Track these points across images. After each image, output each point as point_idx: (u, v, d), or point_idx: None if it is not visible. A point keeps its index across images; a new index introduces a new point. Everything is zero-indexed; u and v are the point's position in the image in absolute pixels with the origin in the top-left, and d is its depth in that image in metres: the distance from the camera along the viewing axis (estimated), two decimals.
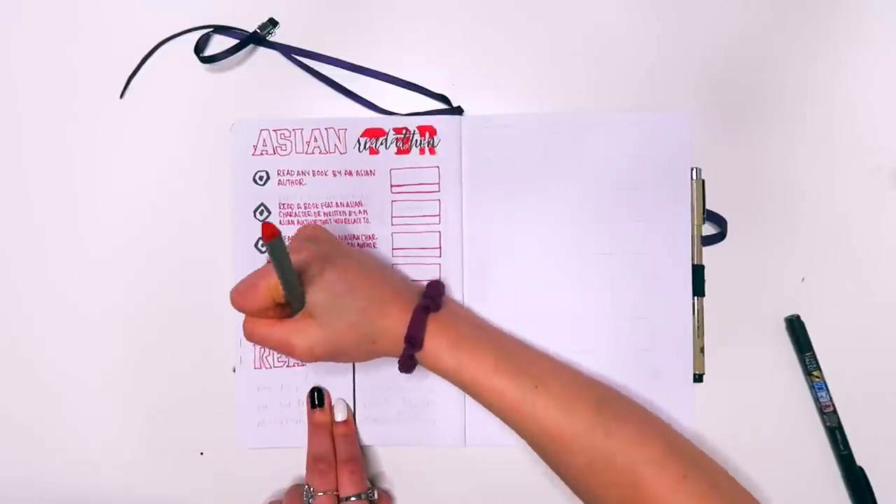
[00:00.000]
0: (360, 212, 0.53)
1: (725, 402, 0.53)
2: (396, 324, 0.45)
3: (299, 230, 0.49)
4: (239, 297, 0.44)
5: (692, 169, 0.52)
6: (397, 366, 0.47)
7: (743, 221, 0.53)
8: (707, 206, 0.52)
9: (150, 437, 0.53)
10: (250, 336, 0.46)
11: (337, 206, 0.53)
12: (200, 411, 0.53)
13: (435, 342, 0.45)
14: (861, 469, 0.52)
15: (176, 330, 0.53)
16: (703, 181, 0.52)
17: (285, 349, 0.45)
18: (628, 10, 0.54)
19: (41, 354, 0.53)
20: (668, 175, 0.52)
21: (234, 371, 0.53)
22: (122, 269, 0.54)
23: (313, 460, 0.50)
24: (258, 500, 0.53)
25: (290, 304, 0.44)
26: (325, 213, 0.53)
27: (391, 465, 0.53)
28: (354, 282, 0.45)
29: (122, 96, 0.54)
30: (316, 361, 0.46)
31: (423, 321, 0.45)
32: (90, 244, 0.54)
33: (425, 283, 0.51)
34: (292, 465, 0.53)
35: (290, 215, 0.53)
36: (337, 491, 0.48)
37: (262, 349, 0.52)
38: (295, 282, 0.43)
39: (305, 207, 0.53)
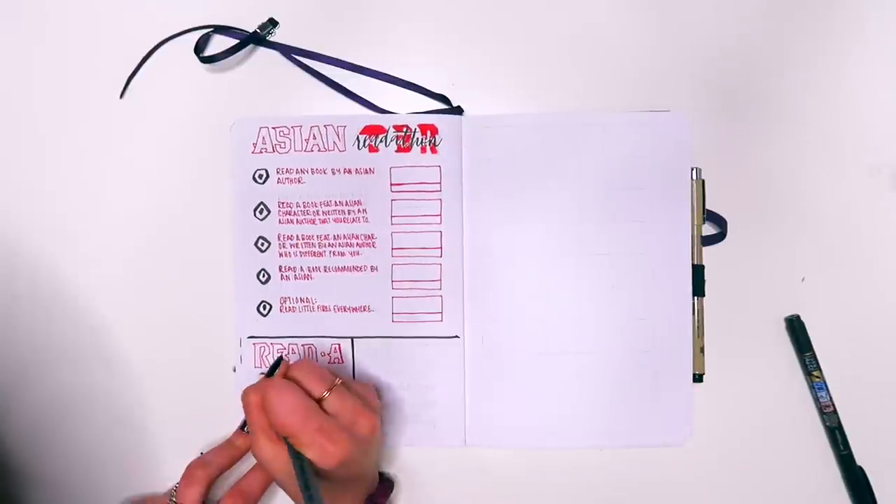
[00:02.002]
0: (359, 210, 0.53)
1: (725, 402, 0.53)
2: None
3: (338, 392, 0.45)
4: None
5: (692, 169, 0.52)
6: None
7: (743, 221, 0.53)
8: (707, 206, 0.52)
9: (151, 437, 0.53)
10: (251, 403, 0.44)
11: (336, 204, 0.53)
12: (200, 411, 0.53)
13: None
14: (861, 469, 0.52)
15: (176, 329, 0.53)
16: (703, 181, 0.52)
17: (251, 433, 0.44)
18: (628, 10, 0.54)
19: (41, 354, 0.53)
20: (667, 175, 0.52)
21: (234, 371, 0.53)
22: (122, 269, 0.54)
23: (194, 465, 0.49)
24: None
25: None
26: (324, 212, 0.53)
27: (391, 465, 0.53)
28: (345, 463, 0.43)
29: (122, 96, 0.54)
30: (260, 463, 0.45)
31: None
32: (90, 243, 0.54)
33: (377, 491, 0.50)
34: None
35: (290, 214, 0.53)
36: None
37: (263, 349, 0.52)
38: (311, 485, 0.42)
39: (305, 206, 0.53)
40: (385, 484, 0.50)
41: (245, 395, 0.44)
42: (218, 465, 0.50)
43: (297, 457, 0.42)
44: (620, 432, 0.52)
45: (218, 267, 0.53)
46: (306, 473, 0.42)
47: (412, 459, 0.53)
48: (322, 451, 0.42)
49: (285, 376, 0.45)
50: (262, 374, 0.47)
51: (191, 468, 0.49)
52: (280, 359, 0.46)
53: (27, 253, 0.54)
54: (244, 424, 0.52)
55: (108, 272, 0.54)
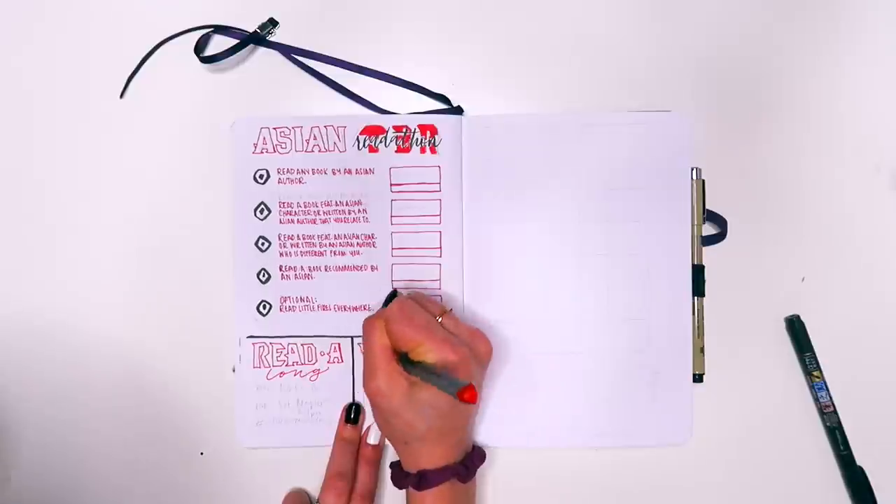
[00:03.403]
0: (359, 210, 0.53)
1: (725, 402, 0.53)
2: (429, 457, 0.46)
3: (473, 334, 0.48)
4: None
5: (692, 169, 0.52)
6: (391, 476, 0.49)
7: (743, 221, 0.53)
8: (707, 206, 0.52)
9: (150, 436, 0.53)
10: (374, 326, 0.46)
11: (336, 204, 0.53)
12: (200, 411, 0.53)
13: (431, 502, 0.46)
14: (861, 469, 0.52)
15: (176, 330, 0.53)
16: (703, 181, 0.52)
17: (369, 362, 0.46)
18: (629, 10, 0.54)
19: (41, 354, 0.53)
20: (668, 175, 0.52)
21: (234, 371, 0.53)
22: (123, 269, 0.54)
23: (332, 476, 0.50)
24: (258, 499, 0.53)
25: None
26: (324, 212, 0.53)
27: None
28: (454, 406, 0.45)
29: (122, 96, 0.54)
30: (368, 398, 0.46)
31: (443, 479, 0.46)
32: (90, 243, 0.54)
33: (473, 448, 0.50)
34: (292, 464, 0.53)
35: (291, 214, 0.53)
36: None
37: (262, 348, 0.52)
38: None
39: (305, 206, 0.53)
40: (478, 451, 0.50)
41: (367, 322, 0.47)
42: (352, 470, 0.51)
43: (420, 363, 0.45)
44: (620, 432, 0.52)
45: (218, 267, 0.53)
46: (435, 370, 0.44)
47: None
48: (445, 358, 0.44)
49: None
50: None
51: (332, 478, 0.50)
52: (395, 292, 0.51)
53: (27, 251, 0.54)
54: (347, 415, 0.52)
55: (108, 271, 0.53)
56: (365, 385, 0.46)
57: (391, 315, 0.46)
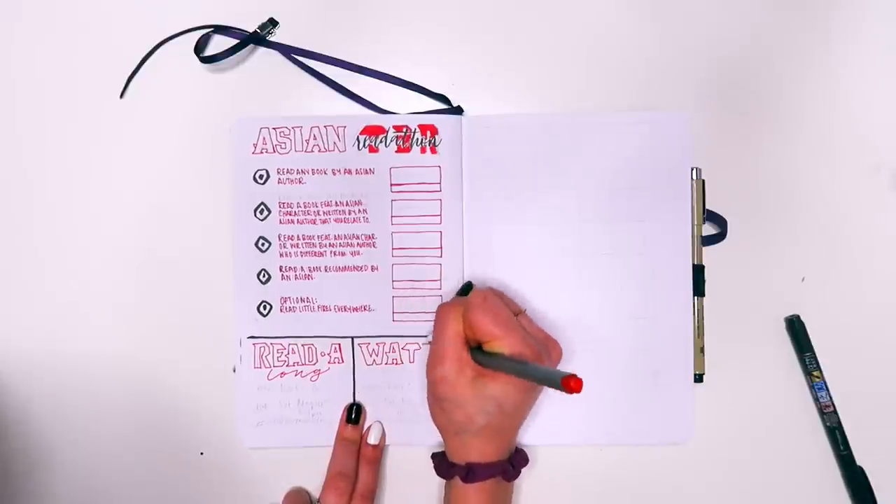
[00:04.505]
0: (359, 211, 0.53)
1: (725, 402, 0.53)
2: (480, 452, 0.46)
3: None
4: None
5: (692, 169, 0.52)
6: (434, 466, 0.49)
7: (743, 221, 0.53)
8: (707, 206, 0.52)
9: (151, 437, 0.53)
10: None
11: (336, 205, 0.53)
12: (200, 411, 0.53)
13: (474, 495, 0.46)
14: (861, 469, 0.52)
15: (176, 329, 0.53)
16: (703, 181, 0.52)
17: (440, 348, 0.46)
18: (629, 10, 0.54)
19: (42, 354, 0.53)
20: (668, 175, 0.52)
21: (234, 371, 0.53)
22: (123, 269, 0.54)
23: (334, 476, 0.50)
24: (258, 500, 0.53)
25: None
26: (324, 213, 0.53)
27: (392, 464, 0.53)
28: (518, 406, 0.46)
29: (122, 96, 0.54)
30: (430, 383, 0.47)
31: (491, 475, 0.46)
32: (90, 244, 0.54)
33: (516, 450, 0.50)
34: (292, 464, 0.53)
35: (290, 214, 0.53)
36: None
37: (262, 349, 0.52)
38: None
39: (305, 206, 0.53)
40: (521, 452, 0.50)
41: (443, 307, 0.47)
42: (353, 470, 0.51)
43: (501, 355, 0.44)
44: (621, 431, 0.52)
45: (218, 267, 0.53)
46: (512, 359, 0.43)
47: (413, 459, 0.53)
48: (521, 355, 0.44)
49: None
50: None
51: (333, 478, 0.50)
52: (470, 283, 0.51)
53: (27, 252, 0.54)
54: (348, 415, 0.52)
55: (108, 272, 0.53)
56: (429, 371, 0.46)
57: (474, 304, 0.45)
